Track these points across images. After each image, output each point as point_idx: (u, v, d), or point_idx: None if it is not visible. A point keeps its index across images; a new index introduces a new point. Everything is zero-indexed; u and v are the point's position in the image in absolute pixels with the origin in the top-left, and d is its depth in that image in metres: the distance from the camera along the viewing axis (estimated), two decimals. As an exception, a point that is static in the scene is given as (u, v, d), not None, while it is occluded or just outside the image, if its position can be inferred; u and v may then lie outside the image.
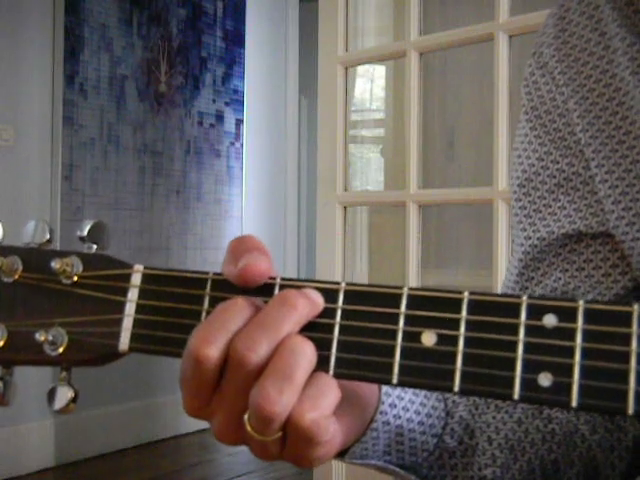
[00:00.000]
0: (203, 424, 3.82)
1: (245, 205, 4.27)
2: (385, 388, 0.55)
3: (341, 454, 0.55)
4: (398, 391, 0.56)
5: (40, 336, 0.50)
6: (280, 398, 0.44)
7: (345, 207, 2.29)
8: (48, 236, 0.52)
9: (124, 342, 0.49)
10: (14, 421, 3.24)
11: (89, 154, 3.51)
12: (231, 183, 4.19)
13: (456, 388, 0.43)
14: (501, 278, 1.86)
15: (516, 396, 0.42)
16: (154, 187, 3.81)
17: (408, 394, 0.57)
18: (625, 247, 0.62)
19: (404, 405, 0.56)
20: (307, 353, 0.45)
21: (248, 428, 0.45)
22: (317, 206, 2.34)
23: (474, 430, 0.62)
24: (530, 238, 0.68)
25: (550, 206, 0.67)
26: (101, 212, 3.53)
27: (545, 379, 0.42)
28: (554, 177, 0.67)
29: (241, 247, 0.48)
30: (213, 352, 0.45)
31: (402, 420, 0.56)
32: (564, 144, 0.67)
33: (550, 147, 0.68)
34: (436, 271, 2.95)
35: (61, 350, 0.49)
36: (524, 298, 0.43)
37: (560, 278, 0.66)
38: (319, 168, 2.32)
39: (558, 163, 0.67)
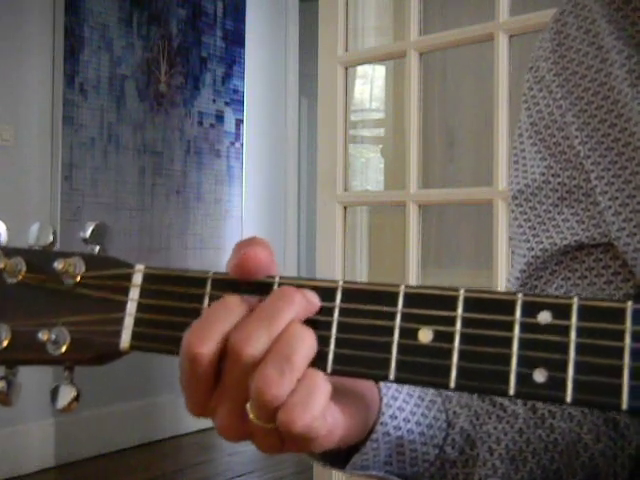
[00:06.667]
0: (203, 424, 3.82)
1: (245, 205, 4.27)
2: (386, 399, 0.55)
3: (341, 463, 0.55)
4: (399, 402, 0.56)
5: (43, 335, 0.50)
6: (282, 380, 0.44)
7: (345, 207, 2.29)
8: (52, 238, 0.53)
9: (125, 340, 0.49)
10: (14, 421, 3.24)
11: (89, 154, 3.51)
12: (231, 183, 4.19)
13: (452, 384, 0.44)
14: (501, 278, 1.86)
15: (511, 392, 0.42)
16: (154, 187, 3.81)
17: (409, 405, 0.57)
18: (628, 258, 0.62)
19: (405, 416, 0.56)
20: (306, 338, 0.45)
21: (251, 416, 0.45)
22: (317, 206, 2.34)
23: (475, 441, 0.62)
24: (533, 249, 0.68)
25: (554, 219, 0.67)
26: (101, 212, 3.53)
27: (540, 375, 0.42)
28: (556, 191, 0.67)
29: (244, 242, 0.48)
30: (207, 349, 0.45)
31: (403, 431, 0.56)
32: (564, 157, 0.67)
33: (550, 161, 0.68)
34: (436, 271, 2.95)
35: (63, 349, 0.50)
36: (519, 295, 0.44)
37: (562, 286, 0.66)
38: (319, 168, 2.32)
39: (559, 177, 0.67)
